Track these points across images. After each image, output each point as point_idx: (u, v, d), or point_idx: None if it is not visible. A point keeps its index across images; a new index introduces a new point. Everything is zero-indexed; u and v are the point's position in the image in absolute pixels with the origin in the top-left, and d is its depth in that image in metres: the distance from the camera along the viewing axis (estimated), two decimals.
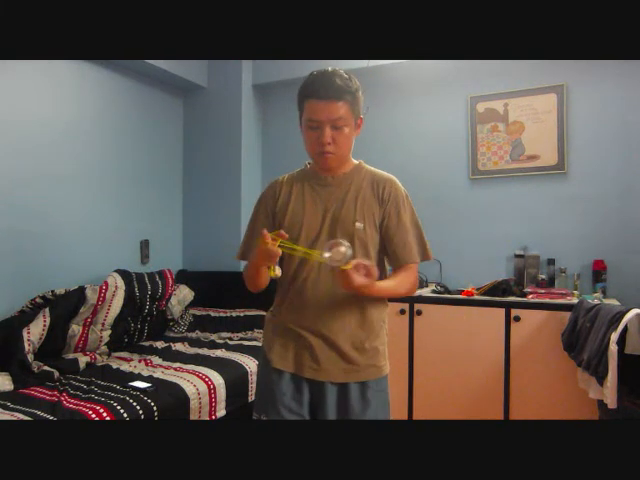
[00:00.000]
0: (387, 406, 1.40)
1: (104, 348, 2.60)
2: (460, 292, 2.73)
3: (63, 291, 2.54)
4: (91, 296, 2.53)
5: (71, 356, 2.42)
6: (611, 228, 2.72)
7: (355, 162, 1.43)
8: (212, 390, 2.20)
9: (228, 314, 3.12)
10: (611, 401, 1.86)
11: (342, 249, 1.16)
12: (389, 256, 1.40)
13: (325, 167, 1.37)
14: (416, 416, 2.68)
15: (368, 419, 1.33)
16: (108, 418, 1.78)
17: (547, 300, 2.48)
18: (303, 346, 1.35)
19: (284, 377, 1.36)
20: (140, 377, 2.20)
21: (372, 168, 1.43)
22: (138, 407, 1.89)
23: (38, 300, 2.49)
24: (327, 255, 1.17)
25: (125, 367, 2.36)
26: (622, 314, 1.90)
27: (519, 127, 2.92)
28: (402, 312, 2.69)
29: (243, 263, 3.73)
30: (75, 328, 2.48)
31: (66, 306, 2.44)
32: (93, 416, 1.77)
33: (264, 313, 1.49)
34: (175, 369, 2.32)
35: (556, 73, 2.81)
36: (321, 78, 1.28)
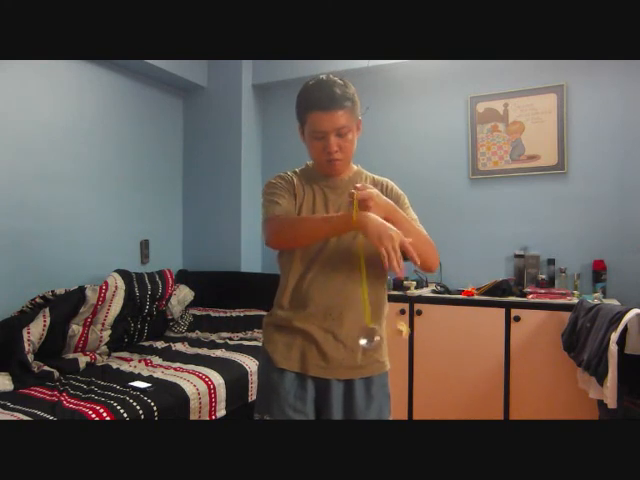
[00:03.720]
0: (389, 401, 1.42)
1: (104, 348, 2.60)
2: (460, 292, 2.73)
3: (63, 291, 2.54)
4: (91, 296, 2.53)
5: (71, 356, 2.42)
6: (611, 228, 2.72)
7: (354, 166, 1.46)
8: (212, 390, 2.20)
9: (228, 314, 3.12)
10: (611, 401, 1.86)
11: (377, 338, 1.27)
12: None
13: (333, 173, 1.39)
14: (416, 416, 2.68)
15: (372, 414, 1.35)
16: (108, 418, 1.78)
17: (547, 300, 2.48)
18: (310, 343, 1.34)
19: (288, 376, 1.35)
20: (140, 377, 2.20)
21: (367, 172, 1.49)
22: (138, 407, 1.89)
23: (38, 300, 2.49)
24: (363, 342, 1.26)
25: (125, 367, 2.36)
26: (622, 314, 1.90)
27: (519, 127, 2.92)
28: (402, 312, 2.69)
29: (244, 263, 3.71)
30: (75, 328, 2.48)
31: (66, 306, 2.44)
32: (93, 416, 1.77)
33: (264, 313, 1.48)
34: (175, 369, 2.32)
35: (556, 73, 2.81)
36: (320, 89, 1.29)
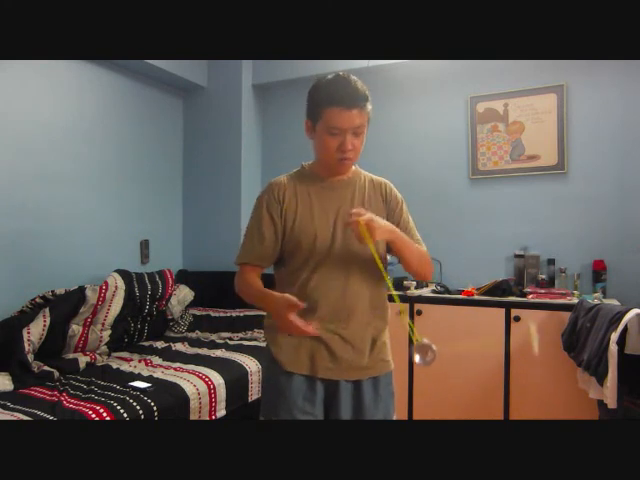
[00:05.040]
0: (393, 399, 1.43)
1: (104, 348, 2.60)
2: (460, 292, 2.73)
3: (63, 291, 2.54)
4: (91, 296, 2.53)
5: (71, 356, 2.42)
6: (611, 228, 2.72)
7: (352, 166, 1.44)
8: (212, 390, 2.20)
9: (228, 314, 3.12)
10: (611, 401, 1.86)
11: (431, 354, 1.24)
12: None
13: (341, 172, 1.38)
14: (416, 416, 2.68)
15: (380, 413, 1.36)
16: (108, 418, 1.78)
17: (547, 300, 2.48)
18: (319, 345, 1.33)
19: (296, 379, 1.35)
20: (140, 377, 2.20)
21: (366, 172, 1.48)
22: (138, 407, 1.89)
23: (38, 300, 2.49)
24: (419, 361, 1.25)
25: (125, 367, 2.36)
26: (622, 314, 1.90)
27: (519, 127, 2.92)
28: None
29: None
30: (75, 328, 2.47)
31: (66, 306, 2.44)
32: (93, 416, 1.77)
33: (264, 313, 1.47)
34: (175, 369, 2.32)
35: (556, 73, 2.81)
36: (343, 85, 1.27)
